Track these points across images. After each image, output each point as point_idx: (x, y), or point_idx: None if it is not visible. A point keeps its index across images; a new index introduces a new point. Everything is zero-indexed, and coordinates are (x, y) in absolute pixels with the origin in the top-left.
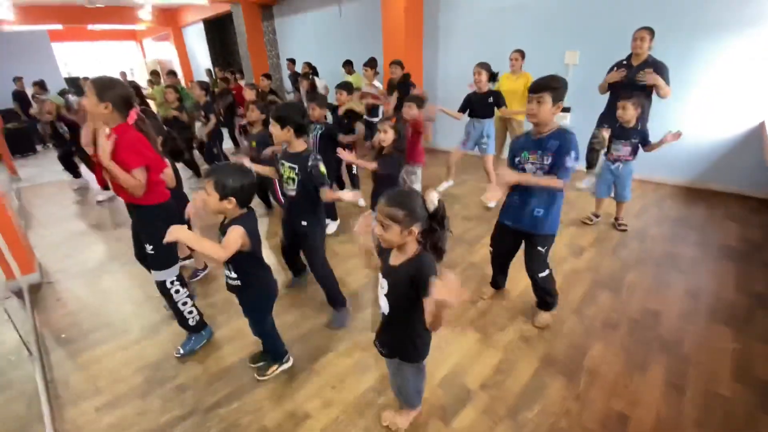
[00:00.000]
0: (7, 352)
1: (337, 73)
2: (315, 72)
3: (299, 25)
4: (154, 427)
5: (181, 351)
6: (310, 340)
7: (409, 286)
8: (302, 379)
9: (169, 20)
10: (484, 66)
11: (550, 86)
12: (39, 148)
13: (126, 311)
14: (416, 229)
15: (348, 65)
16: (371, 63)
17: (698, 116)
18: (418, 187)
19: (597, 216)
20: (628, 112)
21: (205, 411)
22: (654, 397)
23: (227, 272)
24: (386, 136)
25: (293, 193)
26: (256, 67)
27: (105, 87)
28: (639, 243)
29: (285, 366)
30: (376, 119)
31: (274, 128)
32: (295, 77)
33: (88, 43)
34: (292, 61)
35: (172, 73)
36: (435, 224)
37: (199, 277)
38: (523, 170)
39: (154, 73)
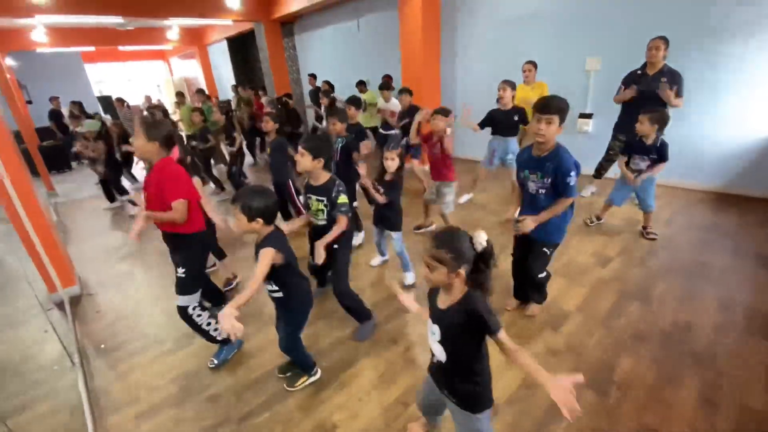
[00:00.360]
0: (51, 362)
1: (354, 89)
2: (333, 90)
3: (318, 41)
4: None
5: (215, 362)
6: (336, 351)
7: (463, 330)
8: (330, 391)
9: (194, 39)
10: (509, 83)
11: (560, 108)
12: (74, 164)
13: (160, 322)
14: (464, 271)
15: (361, 84)
16: (386, 86)
17: (730, 120)
18: (450, 200)
19: (599, 219)
20: (644, 127)
21: (237, 421)
22: (686, 412)
23: (268, 286)
24: (392, 164)
25: (323, 223)
26: (278, 83)
27: (152, 128)
28: (668, 252)
29: (313, 378)
30: (391, 131)
31: (304, 158)
32: (316, 92)
33: (119, 63)
34: (313, 77)
35: (200, 92)
36: (482, 264)
37: (232, 286)
38: (527, 186)
39: (180, 95)
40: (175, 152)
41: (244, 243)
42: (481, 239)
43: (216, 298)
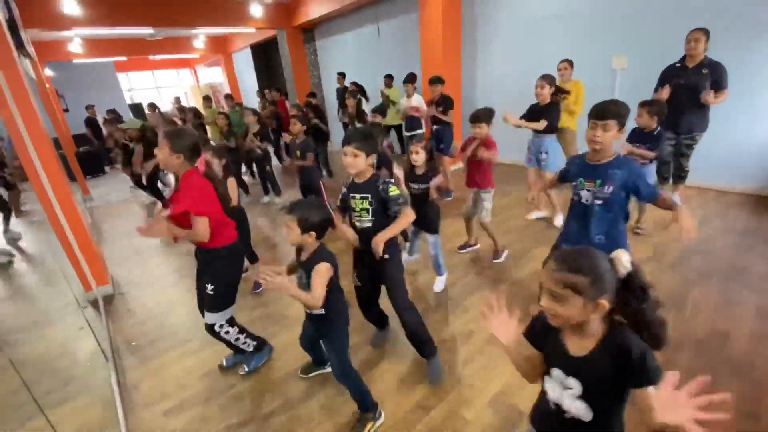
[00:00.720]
0: (86, 358)
1: (377, 90)
2: (363, 92)
3: (339, 46)
4: None
5: (246, 369)
6: (355, 354)
7: (613, 380)
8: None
9: (219, 47)
10: (546, 78)
11: (618, 114)
12: (107, 169)
13: (187, 322)
14: (606, 302)
15: (388, 78)
16: (411, 79)
17: None
18: (489, 207)
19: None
20: (643, 119)
21: (261, 419)
22: (725, 424)
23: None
24: (418, 157)
25: (369, 225)
26: (299, 88)
27: (177, 138)
28: (702, 257)
29: (379, 422)
30: (418, 131)
31: (358, 159)
32: (343, 92)
33: (148, 72)
34: (342, 75)
35: (229, 97)
36: (630, 296)
37: (260, 290)
38: (579, 196)
39: (207, 98)
40: (201, 163)
41: (271, 245)
42: (624, 261)
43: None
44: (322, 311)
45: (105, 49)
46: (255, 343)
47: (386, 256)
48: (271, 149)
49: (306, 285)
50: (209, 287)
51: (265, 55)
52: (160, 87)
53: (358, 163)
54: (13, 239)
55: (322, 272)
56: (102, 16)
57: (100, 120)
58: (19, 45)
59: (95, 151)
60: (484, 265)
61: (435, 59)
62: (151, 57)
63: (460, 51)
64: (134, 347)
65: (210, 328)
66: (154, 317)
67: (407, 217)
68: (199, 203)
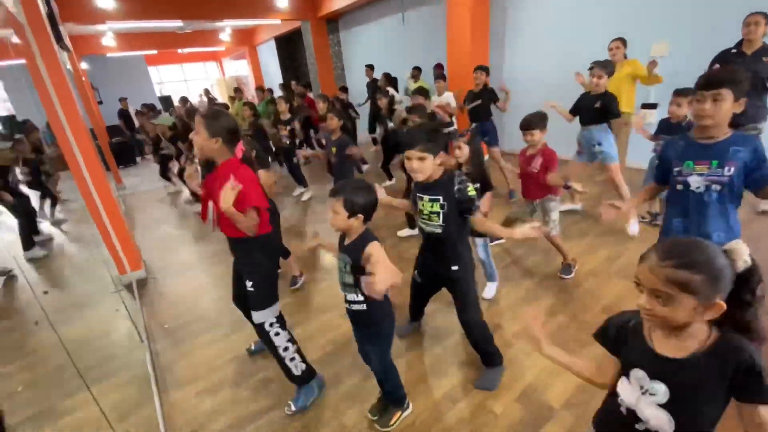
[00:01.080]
0: (121, 339)
1: (401, 80)
2: (394, 84)
3: (363, 36)
4: (246, 415)
5: (293, 408)
6: None
7: (716, 388)
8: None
9: (244, 40)
10: (604, 66)
11: (731, 79)
12: (138, 159)
13: (217, 307)
14: (722, 301)
15: (416, 70)
16: (441, 76)
17: None
18: (557, 218)
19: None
20: (682, 110)
21: (283, 405)
22: None
23: (352, 296)
24: (461, 152)
25: (438, 230)
26: (323, 79)
27: (214, 121)
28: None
29: (407, 413)
30: (451, 129)
31: (426, 162)
32: (373, 84)
33: (176, 66)
34: (370, 68)
35: (260, 89)
36: (746, 294)
37: (297, 285)
38: (686, 183)
39: (237, 90)
40: (240, 149)
41: (298, 236)
42: (742, 253)
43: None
44: (363, 306)
45: (136, 42)
46: (304, 366)
47: (455, 267)
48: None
49: (349, 272)
50: (249, 284)
51: (288, 46)
52: (189, 80)
53: (425, 167)
54: (58, 222)
55: (378, 250)
56: (134, 10)
57: (132, 112)
58: (58, 38)
59: (127, 142)
60: (513, 258)
61: (462, 47)
62: (180, 50)
63: (488, 38)
64: (167, 330)
65: (260, 327)
66: (185, 302)
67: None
68: (252, 195)
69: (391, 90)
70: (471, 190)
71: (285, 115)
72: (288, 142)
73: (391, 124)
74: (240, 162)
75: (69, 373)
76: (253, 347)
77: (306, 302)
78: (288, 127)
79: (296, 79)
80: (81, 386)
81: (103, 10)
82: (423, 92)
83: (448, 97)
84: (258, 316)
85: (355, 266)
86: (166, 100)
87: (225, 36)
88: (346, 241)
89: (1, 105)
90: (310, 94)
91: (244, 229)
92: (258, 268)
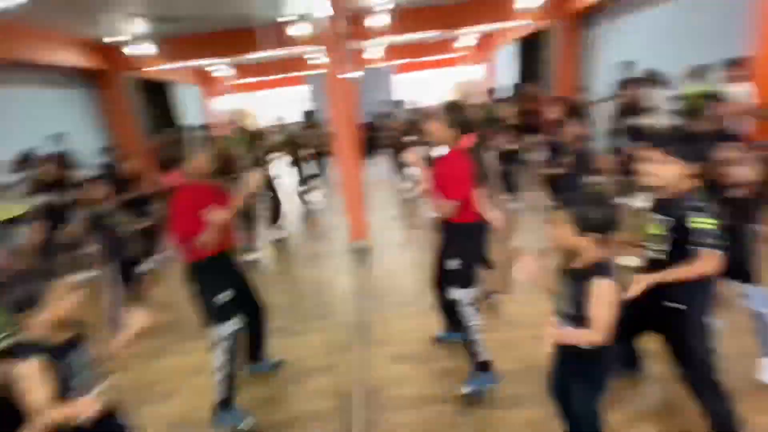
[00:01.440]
0: (340, 291)
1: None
2: (655, 81)
3: (619, 30)
4: (425, 395)
5: (467, 389)
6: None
7: None
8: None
9: (481, 44)
10: None
11: None
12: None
13: (417, 287)
14: None
15: (700, 69)
16: (738, 62)
17: None
18: None
19: None
20: None
21: (457, 402)
22: None
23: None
24: (742, 172)
25: (660, 257)
26: (565, 83)
27: (453, 112)
28: None
29: None
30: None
31: (667, 167)
32: (625, 83)
33: (417, 73)
34: (628, 65)
35: (491, 91)
36: None
37: (490, 300)
38: None
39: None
40: (470, 139)
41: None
42: None
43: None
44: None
45: (390, 54)
46: (486, 357)
47: (682, 306)
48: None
49: (568, 304)
50: (453, 263)
51: (530, 48)
52: (427, 86)
53: (663, 172)
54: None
55: (604, 293)
56: (395, 26)
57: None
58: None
59: (371, 138)
60: None
61: None
62: (423, 59)
63: None
64: (373, 296)
65: (458, 304)
66: (390, 276)
67: (701, 266)
68: (459, 185)
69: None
70: (706, 222)
71: (511, 119)
72: (511, 146)
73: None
74: (463, 154)
75: (305, 304)
76: (440, 335)
77: (497, 311)
78: (512, 132)
79: (534, 82)
80: (309, 317)
81: (375, 27)
82: (712, 98)
83: (748, 88)
84: (457, 293)
85: (577, 300)
86: (396, 104)
87: (463, 42)
88: (572, 264)
89: (307, 104)
90: (546, 97)
91: (445, 212)
92: (464, 249)
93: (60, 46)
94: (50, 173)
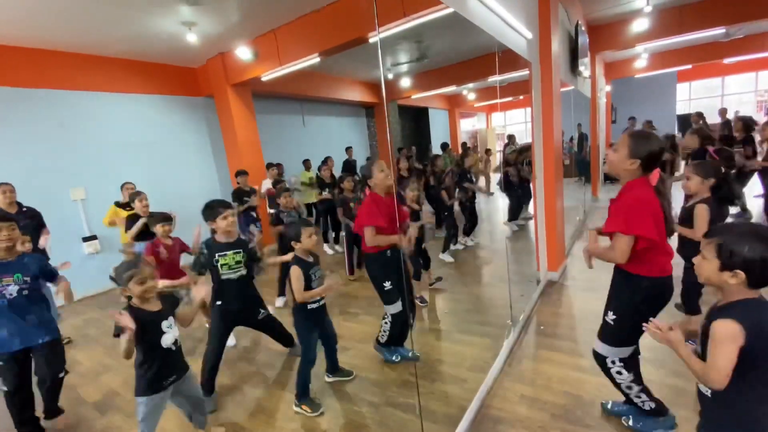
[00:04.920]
0: (505, 311)
1: None
2: None
3: None
4: None
5: (630, 423)
6: None
7: None
8: None
9: None
10: None
11: None
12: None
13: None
14: None
15: None
16: None
17: None
18: None
19: None
20: None
21: None
22: None
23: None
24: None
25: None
26: None
27: (640, 142)
28: None
29: None
30: None
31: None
32: None
33: (716, 79)
34: None
35: None
36: None
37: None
38: None
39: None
40: (655, 176)
41: None
42: None
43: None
44: (708, 394)
45: (668, 60)
46: (653, 404)
47: None
48: None
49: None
50: (611, 315)
51: None
52: (728, 94)
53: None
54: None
55: (720, 336)
56: (669, 26)
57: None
58: (574, 68)
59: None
60: None
61: None
62: (726, 61)
63: None
64: (541, 331)
65: (600, 358)
66: (573, 318)
67: None
68: (630, 222)
69: None
70: None
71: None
72: None
73: None
74: (644, 185)
75: (476, 311)
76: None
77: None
78: None
79: None
80: (473, 328)
81: (636, 33)
82: None
83: None
84: (603, 348)
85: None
86: (683, 118)
87: None
88: (719, 302)
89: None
90: None
91: (613, 257)
92: (628, 307)
93: (347, 86)
94: (327, 175)
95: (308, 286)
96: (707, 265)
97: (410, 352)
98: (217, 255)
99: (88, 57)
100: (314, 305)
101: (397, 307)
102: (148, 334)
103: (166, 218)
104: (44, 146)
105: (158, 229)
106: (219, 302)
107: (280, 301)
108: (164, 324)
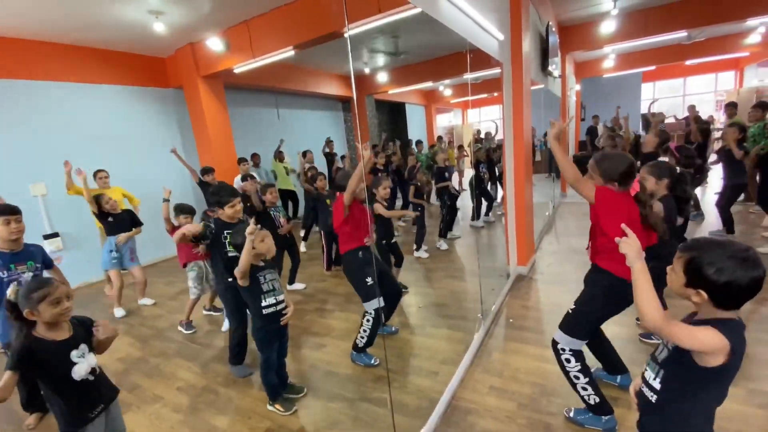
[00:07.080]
0: (475, 307)
1: None
2: None
3: None
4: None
5: (570, 414)
6: None
7: None
8: None
9: None
10: None
11: None
12: None
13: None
14: None
15: None
16: None
17: None
18: None
19: None
20: None
21: None
22: None
23: (647, 381)
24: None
25: None
26: None
27: (607, 164)
28: None
29: None
30: None
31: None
32: None
33: (679, 80)
34: None
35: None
36: None
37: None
38: None
39: (730, 106)
40: (635, 187)
41: None
42: None
43: None
44: (654, 397)
45: (634, 60)
46: (598, 399)
47: None
48: None
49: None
50: (573, 306)
51: None
52: (689, 94)
53: None
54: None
55: (713, 342)
56: (635, 29)
57: (599, 130)
58: (544, 67)
59: (588, 156)
60: None
61: None
62: (687, 62)
63: None
64: (510, 324)
65: (554, 344)
66: (540, 309)
67: None
68: (611, 217)
69: None
70: None
71: None
72: None
73: None
74: (608, 190)
75: (448, 305)
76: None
77: None
78: None
79: None
80: (446, 322)
81: (605, 35)
82: None
83: None
84: (558, 334)
85: (673, 353)
86: (645, 118)
87: (754, 38)
88: (695, 315)
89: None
90: None
91: (563, 159)
92: (588, 300)
93: (324, 79)
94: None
95: (257, 286)
96: (674, 277)
97: (392, 327)
98: (225, 232)
99: (49, 45)
100: (270, 309)
101: (377, 303)
102: (51, 368)
103: (190, 210)
104: (1, 139)
105: (181, 219)
106: (230, 279)
107: None
108: (74, 354)
